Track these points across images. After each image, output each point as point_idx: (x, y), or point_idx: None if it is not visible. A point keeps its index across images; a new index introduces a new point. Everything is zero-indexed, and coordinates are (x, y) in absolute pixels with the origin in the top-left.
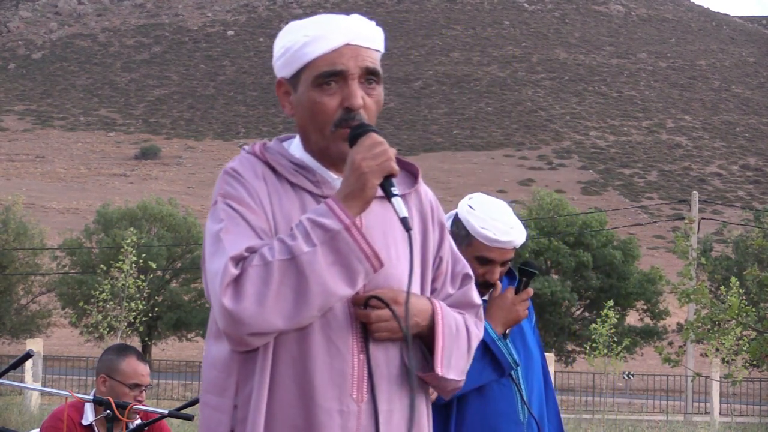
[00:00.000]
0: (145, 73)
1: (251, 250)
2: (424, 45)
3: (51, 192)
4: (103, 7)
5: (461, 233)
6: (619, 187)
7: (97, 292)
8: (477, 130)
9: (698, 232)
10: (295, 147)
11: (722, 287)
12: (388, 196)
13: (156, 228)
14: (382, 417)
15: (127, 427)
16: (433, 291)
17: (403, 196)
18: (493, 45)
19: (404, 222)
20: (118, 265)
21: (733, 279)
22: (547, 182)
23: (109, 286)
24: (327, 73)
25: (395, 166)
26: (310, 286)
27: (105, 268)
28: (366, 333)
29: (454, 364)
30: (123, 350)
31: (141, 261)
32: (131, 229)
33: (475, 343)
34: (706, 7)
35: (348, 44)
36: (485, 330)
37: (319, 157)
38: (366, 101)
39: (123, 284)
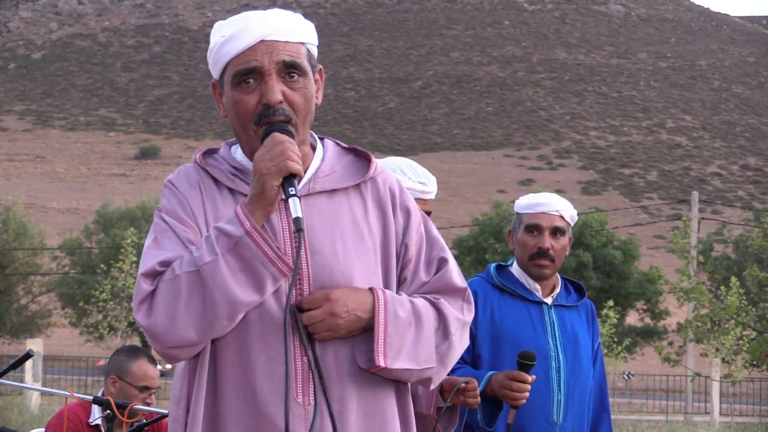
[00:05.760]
0: (145, 73)
1: (165, 264)
2: (424, 45)
3: (51, 192)
4: (103, 7)
5: (514, 221)
6: (619, 187)
7: (97, 292)
8: (477, 130)
9: (698, 232)
10: (237, 150)
11: (722, 287)
12: (285, 197)
13: None
14: (335, 417)
15: (130, 427)
16: (403, 280)
17: (336, 191)
18: (493, 45)
19: (296, 222)
20: (118, 265)
21: (733, 279)
22: (547, 182)
23: (109, 286)
24: (243, 71)
25: (294, 166)
26: (215, 295)
27: (105, 268)
28: (310, 335)
29: (407, 351)
30: (134, 352)
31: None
32: (131, 229)
33: (454, 327)
34: (706, 7)
35: (263, 40)
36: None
37: (252, 158)
38: (289, 96)
39: (123, 284)
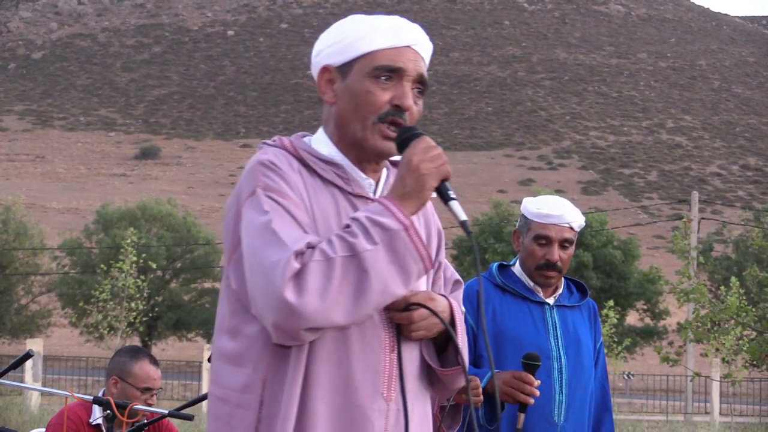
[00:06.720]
0: (145, 73)
1: (310, 246)
2: None
3: (51, 192)
4: (103, 7)
5: (521, 223)
6: (619, 187)
7: (97, 292)
8: (477, 130)
9: (698, 232)
10: (318, 144)
11: (722, 287)
12: (446, 199)
13: (156, 228)
14: (410, 415)
15: (131, 427)
16: None
17: None
18: (493, 45)
19: (464, 226)
20: (118, 265)
21: (733, 279)
22: (547, 182)
23: (109, 286)
24: (387, 67)
25: (450, 170)
26: (372, 283)
27: (105, 268)
28: (398, 332)
29: (465, 354)
30: (136, 353)
31: (141, 261)
32: (131, 229)
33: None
34: (706, 7)
35: (410, 47)
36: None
37: (349, 153)
38: (412, 107)
39: (123, 284)
